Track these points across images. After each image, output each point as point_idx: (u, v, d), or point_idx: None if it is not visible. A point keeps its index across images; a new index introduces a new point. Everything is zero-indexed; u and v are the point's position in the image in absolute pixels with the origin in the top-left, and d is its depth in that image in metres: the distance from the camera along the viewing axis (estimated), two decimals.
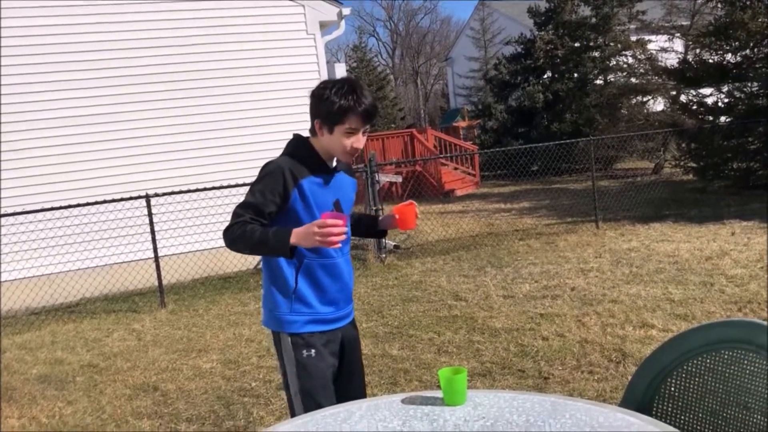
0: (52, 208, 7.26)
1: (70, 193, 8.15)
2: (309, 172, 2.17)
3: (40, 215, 7.59)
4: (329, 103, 2.10)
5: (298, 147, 2.24)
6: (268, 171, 2.14)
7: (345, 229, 2.00)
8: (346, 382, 2.30)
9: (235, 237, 2.08)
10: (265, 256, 2.23)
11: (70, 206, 7.36)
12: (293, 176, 2.13)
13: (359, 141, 2.16)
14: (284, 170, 2.12)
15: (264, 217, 2.11)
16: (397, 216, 2.33)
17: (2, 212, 7.37)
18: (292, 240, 2.02)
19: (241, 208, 2.12)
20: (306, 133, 2.28)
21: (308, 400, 2.16)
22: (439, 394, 1.77)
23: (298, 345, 2.19)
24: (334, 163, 2.26)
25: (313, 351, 2.18)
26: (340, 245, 2.07)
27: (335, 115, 2.11)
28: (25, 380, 5.17)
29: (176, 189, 7.92)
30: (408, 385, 4.16)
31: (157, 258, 7.51)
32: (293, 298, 2.20)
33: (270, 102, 9.26)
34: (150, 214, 7.43)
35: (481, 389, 1.89)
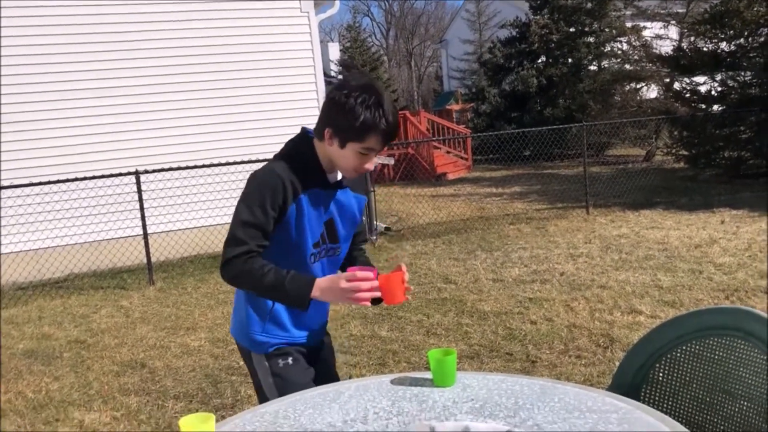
0: (40, 183, 7.18)
1: (59, 168, 8.05)
2: (309, 184, 1.85)
3: (27, 189, 7.51)
4: (351, 115, 1.75)
5: (299, 149, 1.90)
6: (266, 182, 1.81)
7: (376, 284, 1.72)
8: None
9: (238, 273, 1.78)
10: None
11: (59, 181, 7.29)
12: (294, 189, 1.81)
13: (371, 162, 1.85)
14: (285, 181, 1.80)
15: (268, 240, 1.82)
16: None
17: None
18: (314, 294, 1.75)
19: (242, 230, 1.78)
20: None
21: None
22: (428, 375, 1.76)
23: (272, 356, 1.96)
24: (339, 176, 1.92)
25: (290, 359, 1.96)
26: (369, 304, 1.78)
27: (356, 132, 1.77)
28: (12, 355, 5.15)
29: (166, 166, 7.86)
30: (396, 366, 4.18)
31: (146, 235, 7.47)
32: (268, 319, 1.95)
33: (261, 80, 9.14)
34: (139, 191, 7.38)
35: (469, 371, 1.89)
